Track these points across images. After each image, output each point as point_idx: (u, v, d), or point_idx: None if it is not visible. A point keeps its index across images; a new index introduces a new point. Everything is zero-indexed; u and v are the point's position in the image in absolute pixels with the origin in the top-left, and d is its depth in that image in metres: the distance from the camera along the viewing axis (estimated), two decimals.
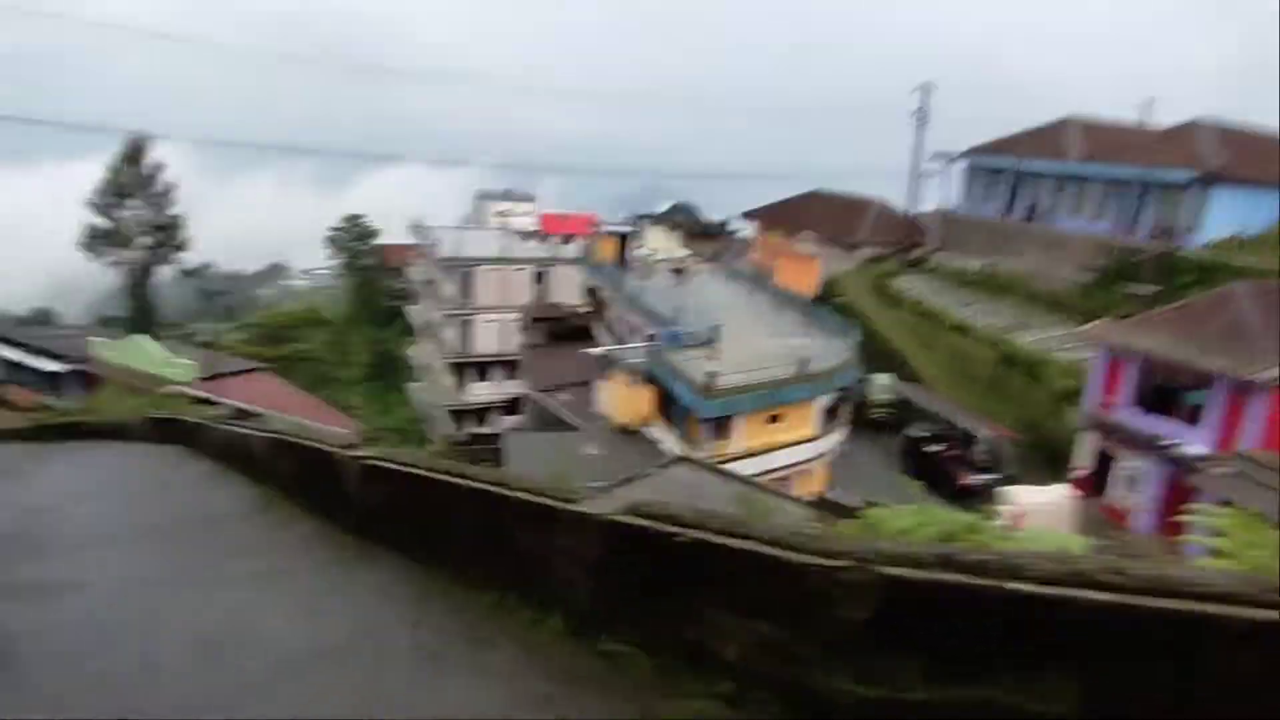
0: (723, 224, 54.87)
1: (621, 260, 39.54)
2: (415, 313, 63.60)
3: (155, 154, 63.03)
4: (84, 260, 63.35)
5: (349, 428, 30.13)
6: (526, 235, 59.82)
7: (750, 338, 28.70)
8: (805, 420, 25.23)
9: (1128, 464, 25.59)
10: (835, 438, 26.38)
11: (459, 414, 52.02)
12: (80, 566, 5.54)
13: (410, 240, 74.00)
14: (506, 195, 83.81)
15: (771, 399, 23.55)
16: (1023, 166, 38.50)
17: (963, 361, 33.63)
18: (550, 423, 32.92)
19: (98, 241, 61.47)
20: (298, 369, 53.84)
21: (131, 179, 61.86)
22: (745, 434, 23.71)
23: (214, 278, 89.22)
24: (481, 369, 52.07)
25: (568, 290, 49.67)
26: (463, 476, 4.48)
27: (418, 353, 60.58)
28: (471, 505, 4.35)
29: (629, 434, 26.35)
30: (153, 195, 62.81)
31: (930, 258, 40.80)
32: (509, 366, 51.56)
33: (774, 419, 24.31)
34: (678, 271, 38.85)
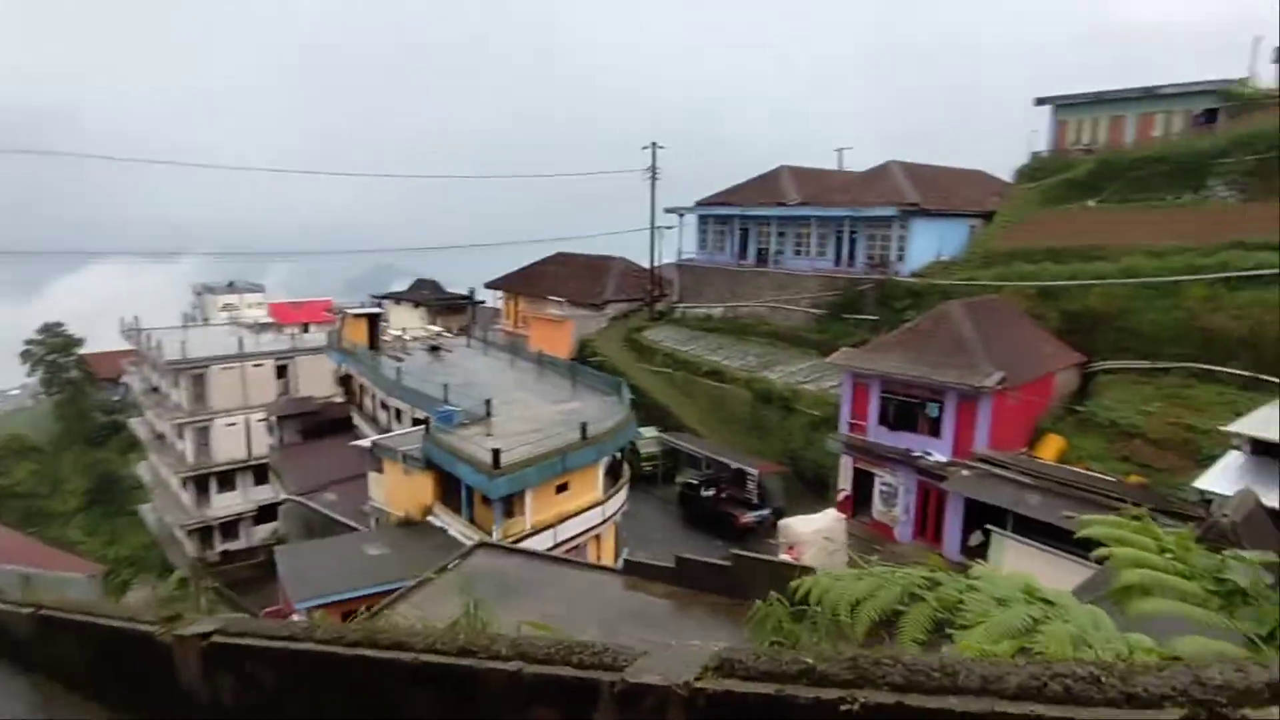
0: (469, 296, 53.61)
1: (373, 343, 36.91)
2: (138, 425, 55.10)
3: None
4: None
5: (84, 569, 24.79)
6: (260, 328, 54.52)
7: (522, 408, 27.82)
8: (591, 485, 24.68)
9: (884, 480, 27.84)
10: (620, 497, 26.07)
11: (203, 531, 45.36)
12: None
13: (123, 346, 64.95)
14: (231, 287, 76.43)
15: (559, 467, 22.72)
16: (748, 213, 41.52)
17: (721, 404, 35.15)
18: (318, 527, 29.47)
19: None
20: (5, 506, 44.82)
21: None
22: (535, 508, 22.59)
23: None
24: (224, 478, 45.99)
25: (316, 382, 45.64)
26: (396, 647, 2.92)
27: (146, 469, 52.28)
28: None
29: (412, 525, 24.14)
30: None
31: (675, 308, 42.65)
32: (257, 472, 46.13)
33: (562, 488, 23.48)
34: (434, 349, 37.05)
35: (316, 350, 47.03)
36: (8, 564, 26.34)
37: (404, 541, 23.18)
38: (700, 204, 42.51)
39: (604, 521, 25.03)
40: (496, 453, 21.11)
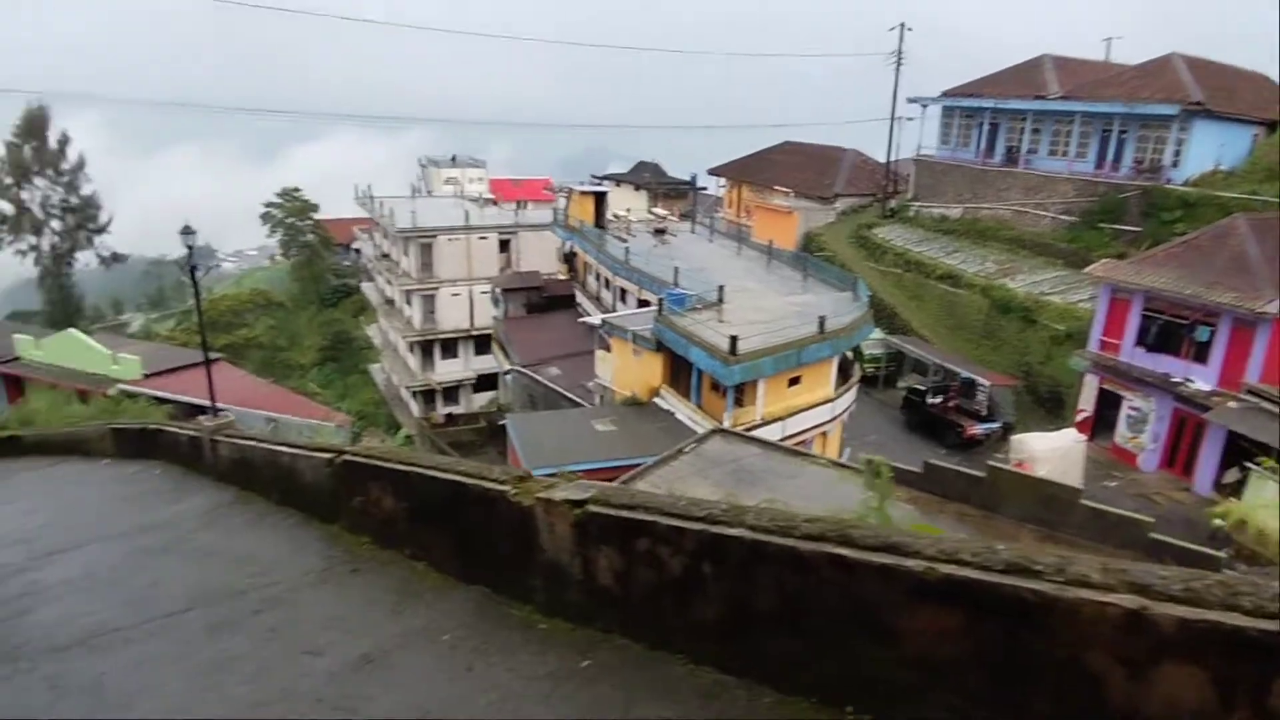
0: (690, 181, 52.73)
1: (598, 221, 37.25)
2: (369, 290, 60.17)
3: (59, 124, 56.84)
4: None
5: (330, 418, 27.64)
6: (483, 202, 56.82)
7: (753, 297, 27.11)
8: (823, 380, 23.86)
9: (1132, 404, 25.08)
10: (849, 396, 25.09)
11: (427, 394, 49.43)
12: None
13: (355, 214, 70.30)
14: (454, 161, 79.79)
15: (793, 360, 22.03)
16: (1001, 106, 37.40)
17: (953, 311, 32.72)
18: (540, 399, 30.94)
19: (1, 228, 54.92)
20: (246, 356, 50.47)
21: (34, 154, 55.66)
22: (766, 399, 22.17)
23: (137, 263, 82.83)
24: (447, 345, 49.42)
25: (537, 258, 47.15)
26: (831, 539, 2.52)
27: (376, 332, 57.38)
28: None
29: (638, 406, 24.60)
30: (62, 172, 56.83)
31: (909, 206, 39.66)
32: (478, 341, 49.13)
33: (794, 381, 22.84)
34: (659, 232, 36.82)
35: (539, 226, 48.46)
36: (256, 409, 29.83)
37: (631, 420, 23.67)
38: (946, 94, 38.45)
39: (832, 419, 24.27)
40: (734, 339, 20.67)
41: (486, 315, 47.56)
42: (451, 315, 48.29)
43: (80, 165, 57.87)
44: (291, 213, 69.88)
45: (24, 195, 55.23)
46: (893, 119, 40.21)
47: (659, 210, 42.14)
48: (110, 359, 30.86)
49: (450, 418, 42.03)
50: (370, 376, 57.36)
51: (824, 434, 24.27)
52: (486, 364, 48.76)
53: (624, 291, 32.89)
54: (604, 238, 34.85)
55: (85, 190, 57.99)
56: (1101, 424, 25.99)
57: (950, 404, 28.48)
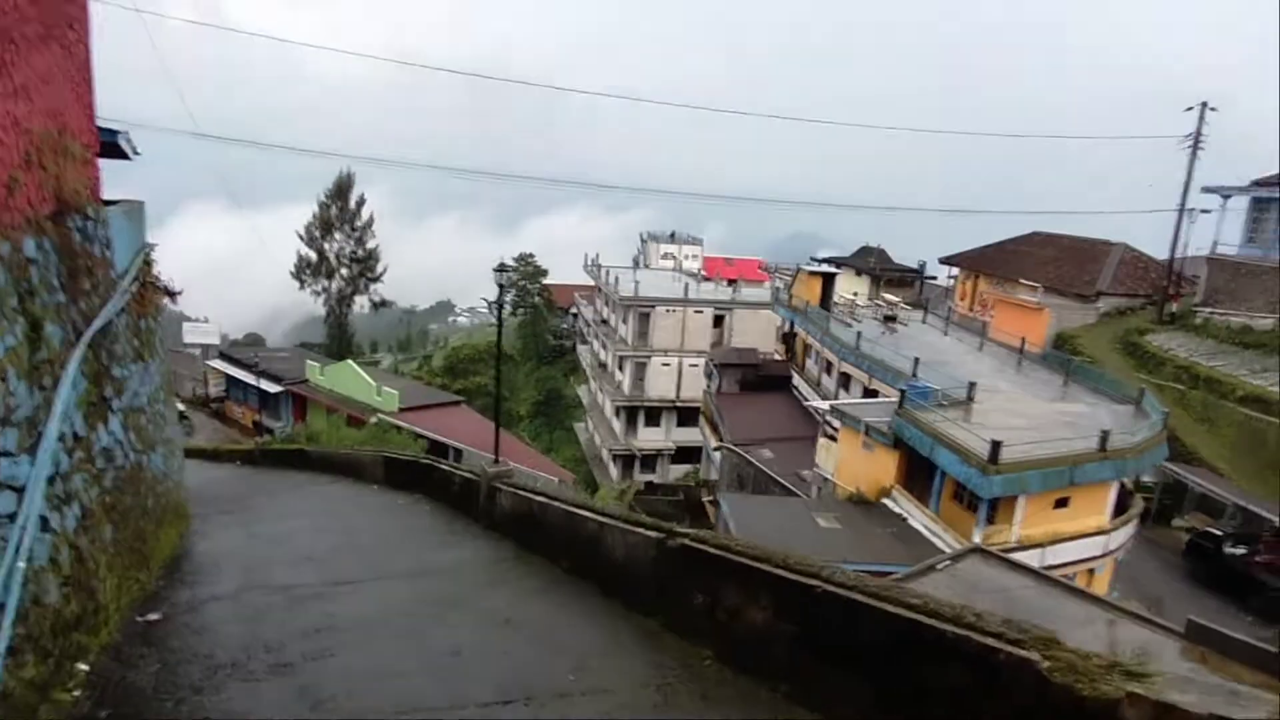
0: (918, 270, 50.17)
1: (824, 303, 35.93)
2: (584, 353, 62.53)
3: (359, 191, 67.54)
4: (290, 291, 68.85)
5: (555, 472, 28.22)
6: (700, 278, 57.76)
7: (1007, 399, 24.27)
8: (1098, 508, 20.45)
9: None
10: (1127, 531, 21.43)
11: (627, 459, 49.76)
12: None
13: (575, 281, 74.26)
14: (672, 238, 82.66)
15: (1065, 478, 19.10)
16: None
17: (1261, 442, 27.49)
18: (750, 480, 29.61)
19: (305, 272, 66.21)
20: (474, 401, 53.80)
21: (338, 213, 66.20)
22: (1026, 518, 19.37)
23: (393, 312, 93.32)
24: (651, 414, 49.69)
25: (749, 336, 46.56)
26: None
27: (585, 393, 59.18)
28: None
29: (864, 505, 22.52)
30: (355, 228, 67.26)
31: (1197, 312, 34.61)
32: (680, 413, 49.02)
33: (1061, 503, 19.80)
34: (889, 319, 34.74)
35: (755, 305, 48.14)
36: (487, 453, 30.90)
37: (858, 520, 21.58)
38: (1259, 183, 33.43)
39: (1104, 555, 20.73)
40: (996, 445, 18.22)
41: (692, 388, 47.38)
42: (660, 384, 48.60)
43: (369, 223, 68.61)
44: (523, 275, 75.97)
45: (325, 246, 66.54)
46: (1182, 210, 35.48)
47: (889, 296, 40.07)
48: (375, 390, 34.23)
49: (650, 485, 41.68)
50: (574, 434, 59.13)
51: (1090, 571, 20.76)
52: (686, 436, 48.39)
53: (848, 378, 31.02)
54: (829, 320, 33.42)
55: (369, 244, 68.45)
56: None
57: (1258, 558, 23.59)
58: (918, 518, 20.92)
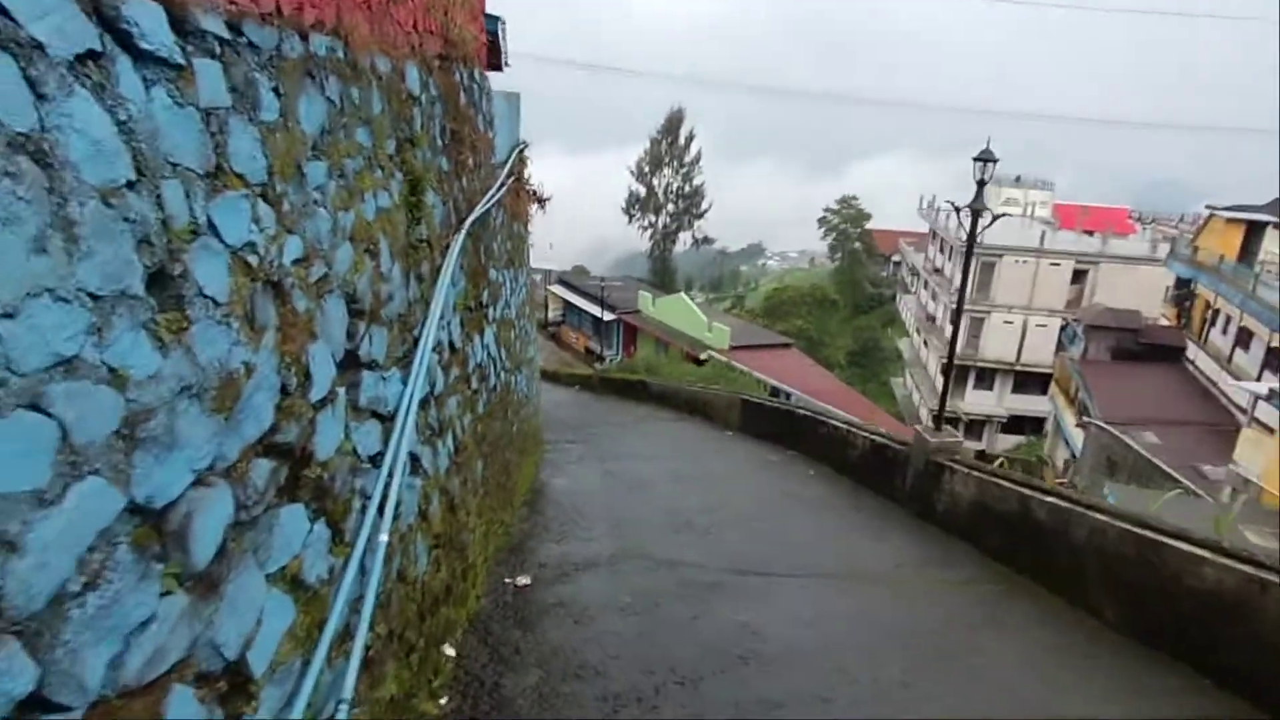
0: None
1: (1244, 261, 28.22)
2: (907, 303, 57.56)
3: (688, 126, 67.42)
4: (615, 227, 72.24)
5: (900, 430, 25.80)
6: (1054, 226, 49.66)
7: None
8: None
9: None
10: None
11: (950, 421, 44.95)
12: None
13: (899, 227, 68.67)
14: (1018, 181, 72.73)
15: None
16: None
17: None
18: (1124, 466, 24.39)
19: (634, 206, 67.91)
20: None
21: (668, 148, 67.19)
22: None
23: (707, 252, 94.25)
24: (982, 375, 43.98)
25: (1118, 294, 38.82)
26: None
27: (907, 346, 54.55)
28: None
29: None
30: (683, 164, 67.75)
31: None
32: (1017, 378, 42.90)
33: None
34: None
35: (1127, 259, 40.20)
36: (823, 402, 28.85)
37: None
38: None
39: None
40: None
41: (1037, 350, 41.07)
42: (996, 343, 42.78)
43: (697, 159, 68.58)
44: (845, 219, 72.38)
45: (654, 181, 67.63)
46: None
47: None
48: (706, 326, 33.99)
49: (980, 455, 36.97)
50: (890, 389, 54.99)
51: None
52: (1022, 404, 42.33)
53: (1278, 354, 24.03)
54: (1258, 280, 26.05)
55: (696, 180, 68.60)
56: None
57: None
58: None
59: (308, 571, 2.24)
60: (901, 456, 5.97)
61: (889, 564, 4.76)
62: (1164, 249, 36.13)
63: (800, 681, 3.15)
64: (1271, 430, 18.64)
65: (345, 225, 2.52)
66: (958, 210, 8.87)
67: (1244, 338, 26.00)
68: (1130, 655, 3.62)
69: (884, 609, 4.04)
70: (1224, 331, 27.59)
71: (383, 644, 2.55)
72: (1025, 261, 41.31)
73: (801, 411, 8.13)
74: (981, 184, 8.31)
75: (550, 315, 51.78)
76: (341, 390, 2.48)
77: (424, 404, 3.31)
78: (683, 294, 37.79)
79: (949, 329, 44.35)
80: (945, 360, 41.67)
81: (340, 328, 2.47)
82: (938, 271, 48.77)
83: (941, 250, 49.00)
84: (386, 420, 2.80)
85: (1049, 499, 4.54)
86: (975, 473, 5.13)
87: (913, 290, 57.32)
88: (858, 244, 72.49)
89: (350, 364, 2.58)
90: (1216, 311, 28.02)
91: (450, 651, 3.42)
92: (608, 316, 41.45)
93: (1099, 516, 4.22)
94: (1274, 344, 23.90)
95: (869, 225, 71.81)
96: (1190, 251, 30.39)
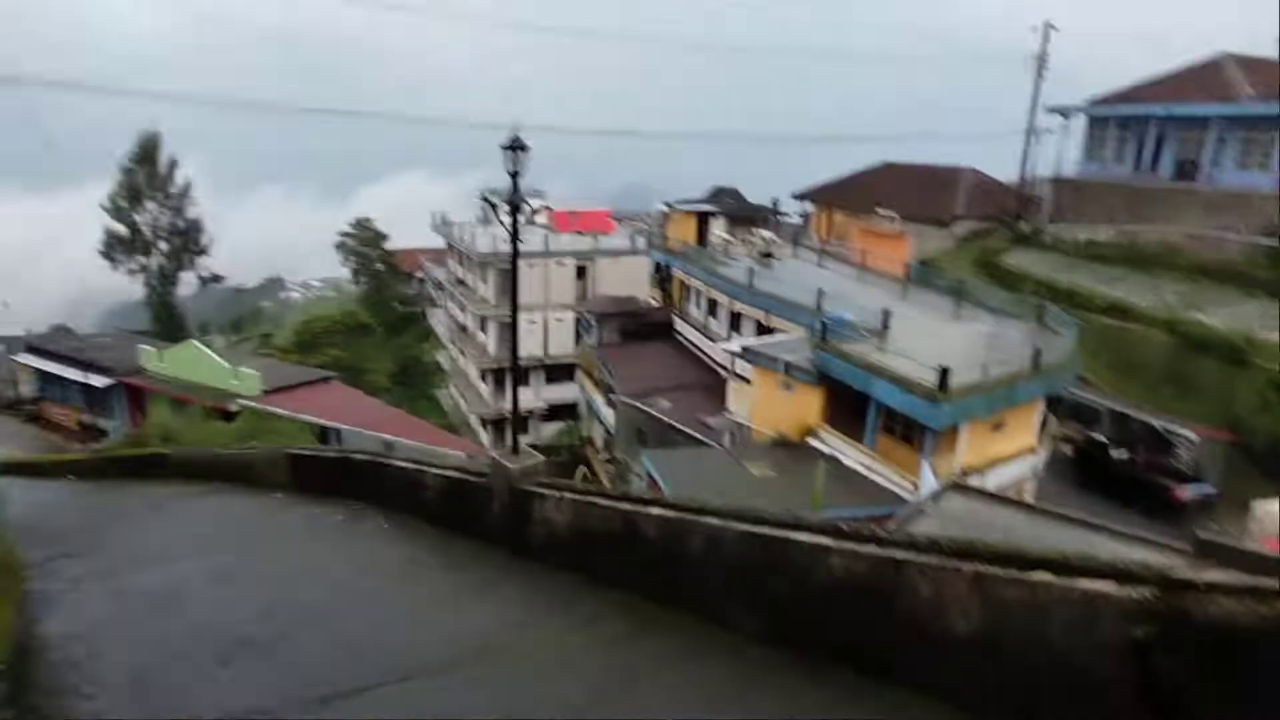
0: (773, 206, 48.87)
1: (701, 243, 33.51)
2: (438, 317, 57.36)
3: (170, 152, 58.01)
4: (100, 274, 58.67)
5: (453, 444, 24.24)
6: (553, 231, 53.94)
7: (913, 324, 22.84)
8: (1027, 427, 19.34)
9: None
10: (1046, 447, 20.62)
11: (497, 423, 45.90)
12: None
13: (418, 245, 68.51)
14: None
15: (1006, 400, 17.67)
16: (1173, 113, 31.88)
17: (1122, 349, 27.94)
18: (651, 434, 26.94)
19: (117, 249, 56.36)
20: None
21: (147, 178, 56.54)
22: (968, 446, 17.83)
23: (219, 291, 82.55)
24: (520, 374, 45.89)
25: (615, 285, 43.65)
26: None
27: (446, 358, 54.29)
28: None
29: (789, 448, 20.36)
30: (170, 196, 57.57)
31: (1043, 231, 35.19)
32: (549, 370, 45.67)
33: (997, 427, 18.47)
34: (765, 255, 32.84)
35: (619, 252, 45.09)
36: (373, 430, 26.40)
37: (788, 465, 19.30)
38: (1098, 102, 33.98)
39: (1032, 476, 19.79)
40: (945, 372, 16.46)
41: (560, 343, 44.24)
42: (526, 343, 44.90)
43: (187, 189, 58.71)
44: (363, 242, 69.68)
45: (136, 218, 56.42)
46: (1030, 132, 35.85)
47: (763, 233, 38.33)
48: (231, 373, 28.39)
49: (534, 447, 38.13)
50: (438, 402, 54.33)
51: (1020, 491, 19.78)
52: (556, 394, 45.27)
53: (738, 318, 28.81)
54: (713, 259, 31.04)
55: (190, 214, 58.90)
56: None
57: (1143, 460, 23.74)
58: (851, 455, 18.98)
59: None
60: (483, 490, 4.67)
61: (503, 624, 3.41)
62: (641, 241, 41.19)
63: None
64: (749, 381, 21.84)
65: None
66: (494, 206, 7.86)
67: (713, 307, 30.62)
68: (786, 671, 2.88)
69: (525, 700, 2.64)
70: (697, 305, 32.22)
71: None
72: (536, 265, 43.67)
73: (359, 457, 6.44)
74: (515, 175, 7.34)
75: (22, 392, 39.45)
76: None
77: None
78: (194, 341, 31.46)
79: (480, 336, 45.23)
80: (491, 370, 41.92)
81: None
82: (461, 283, 49.22)
83: (460, 262, 49.62)
84: None
85: (654, 510, 3.65)
86: (569, 495, 4.09)
87: (440, 304, 57.33)
88: (380, 265, 70.59)
89: None
90: (688, 288, 32.60)
91: None
92: (102, 382, 32.71)
93: (712, 521, 3.38)
94: (734, 310, 28.47)
95: (389, 245, 70.67)
96: (662, 241, 34.90)
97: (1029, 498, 20.56)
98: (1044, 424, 20.44)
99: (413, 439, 22.68)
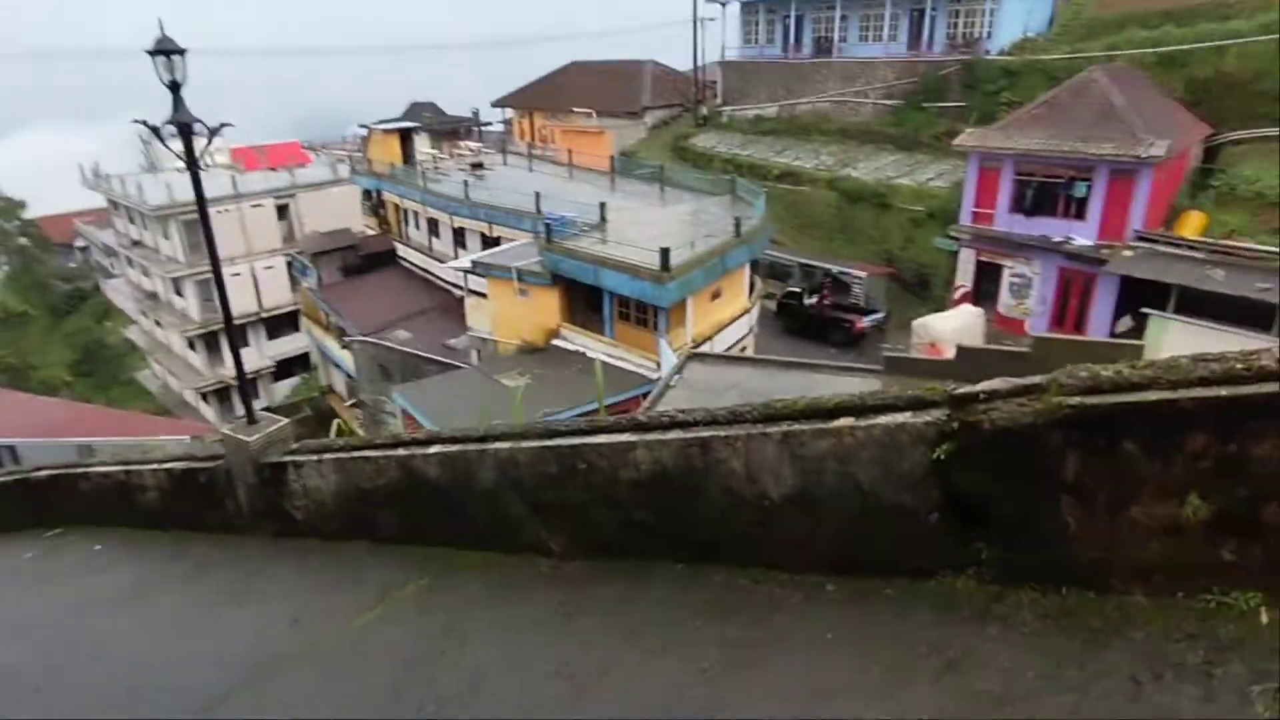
0: (474, 117, 46.77)
1: (407, 161, 31.16)
2: (116, 287, 48.21)
3: None
4: None
5: (177, 429, 20.70)
6: (240, 171, 47.04)
7: (628, 214, 23.32)
8: (740, 291, 20.84)
9: (1014, 271, 24.75)
10: (758, 305, 22.54)
11: (219, 393, 40.45)
12: None
13: (71, 209, 56.68)
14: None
15: (720, 269, 18.77)
16: None
17: (799, 209, 31.09)
18: (396, 368, 25.31)
19: None
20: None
21: None
22: (696, 317, 18.87)
23: None
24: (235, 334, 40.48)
25: (325, 219, 39.44)
26: None
27: (138, 333, 46.10)
28: None
29: (537, 353, 20.22)
30: None
31: (720, 112, 37.37)
32: (269, 324, 40.80)
33: (715, 295, 19.70)
34: (477, 165, 31.46)
35: (323, 184, 40.54)
36: (64, 438, 21.75)
37: (540, 369, 19.26)
38: None
39: (749, 333, 21.61)
40: (665, 252, 17.00)
41: (275, 293, 39.54)
42: (235, 298, 39.40)
43: None
44: None
45: None
46: (695, 21, 37.31)
47: (469, 144, 36.55)
48: None
49: (271, 414, 34.30)
50: (142, 385, 46.42)
51: (743, 349, 21.60)
52: (284, 348, 40.83)
53: (462, 233, 27.53)
54: (426, 178, 29.08)
55: None
56: (982, 296, 25.53)
57: (827, 301, 27.04)
58: (595, 348, 19.31)
59: None
60: (220, 474, 3.77)
61: (275, 625, 2.75)
62: (345, 169, 37.44)
63: None
64: (485, 295, 21.10)
65: None
66: (156, 131, 6.12)
67: (434, 227, 28.93)
68: (611, 580, 2.67)
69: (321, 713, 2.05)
70: (417, 227, 30.25)
71: None
72: (227, 210, 37.98)
73: (42, 474, 4.97)
74: (175, 86, 5.73)
75: None
76: None
77: None
78: None
79: (177, 301, 39.02)
80: (199, 335, 36.37)
81: None
82: (138, 244, 41.55)
83: (132, 220, 41.72)
84: None
85: (434, 449, 3.12)
86: (329, 455, 3.37)
87: (117, 272, 48.27)
88: (23, 239, 57.27)
89: None
90: (406, 211, 30.42)
91: None
92: None
93: (501, 445, 2.94)
94: (456, 226, 27.12)
95: (29, 215, 57.43)
96: (366, 166, 31.96)
97: (752, 352, 22.61)
98: (751, 286, 22.22)
99: (118, 435, 19.07)
